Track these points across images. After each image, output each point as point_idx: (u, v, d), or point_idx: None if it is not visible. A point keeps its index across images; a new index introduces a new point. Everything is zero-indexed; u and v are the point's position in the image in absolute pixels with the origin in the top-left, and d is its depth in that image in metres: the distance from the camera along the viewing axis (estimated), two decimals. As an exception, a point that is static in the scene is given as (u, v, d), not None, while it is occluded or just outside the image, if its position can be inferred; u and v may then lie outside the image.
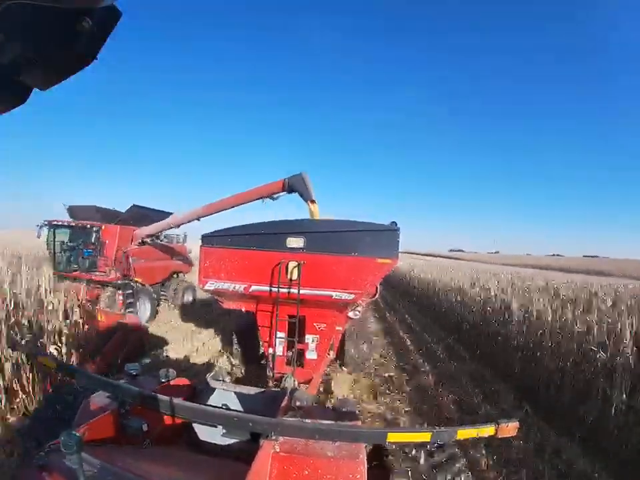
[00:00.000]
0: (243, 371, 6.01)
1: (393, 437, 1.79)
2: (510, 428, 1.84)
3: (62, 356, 4.38)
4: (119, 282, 8.26)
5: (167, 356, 6.35)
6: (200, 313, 10.01)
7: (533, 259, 66.14)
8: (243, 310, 4.91)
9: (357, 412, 2.60)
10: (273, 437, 1.80)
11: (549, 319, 5.84)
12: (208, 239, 4.46)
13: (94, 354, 4.84)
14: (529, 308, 6.56)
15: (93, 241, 8.58)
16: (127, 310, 7.57)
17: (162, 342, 6.97)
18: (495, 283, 9.61)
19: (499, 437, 1.85)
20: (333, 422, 2.11)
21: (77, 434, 1.33)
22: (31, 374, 3.87)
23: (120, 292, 7.81)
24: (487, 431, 1.83)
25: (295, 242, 4.22)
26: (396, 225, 4.27)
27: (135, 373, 2.43)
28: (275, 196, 6.41)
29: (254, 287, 4.33)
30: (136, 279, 8.58)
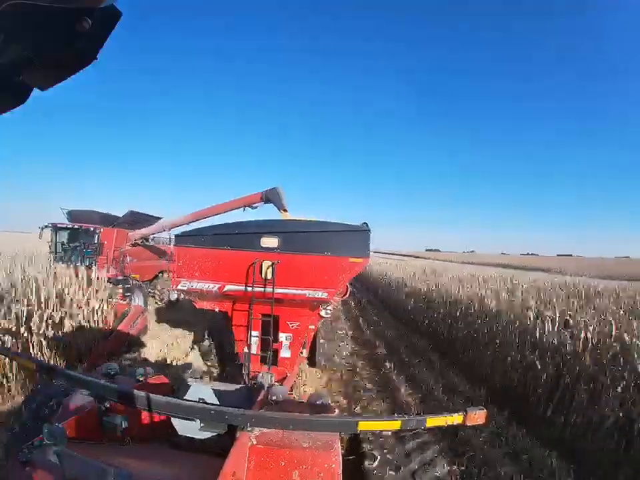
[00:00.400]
0: (216, 370, 5.97)
1: (364, 426, 1.84)
2: (478, 416, 1.89)
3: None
4: (117, 278, 9.08)
5: (143, 355, 6.30)
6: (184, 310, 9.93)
7: (507, 257, 68.98)
8: (217, 310, 4.89)
9: (330, 404, 2.70)
10: (249, 429, 1.86)
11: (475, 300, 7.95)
12: (181, 239, 4.42)
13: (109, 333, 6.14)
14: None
15: (92, 241, 9.76)
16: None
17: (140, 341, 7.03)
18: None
19: (467, 424, 1.91)
20: (306, 414, 2.18)
21: (60, 425, 1.35)
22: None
23: (119, 287, 8.53)
24: (455, 419, 1.88)
25: (269, 242, 4.26)
26: (367, 225, 4.44)
27: (113, 372, 2.42)
28: (254, 205, 7.35)
29: (228, 287, 4.33)
30: (133, 276, 9.65)
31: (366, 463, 2.34)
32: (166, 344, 7.16)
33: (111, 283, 8.37)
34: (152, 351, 6.62)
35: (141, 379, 2.52)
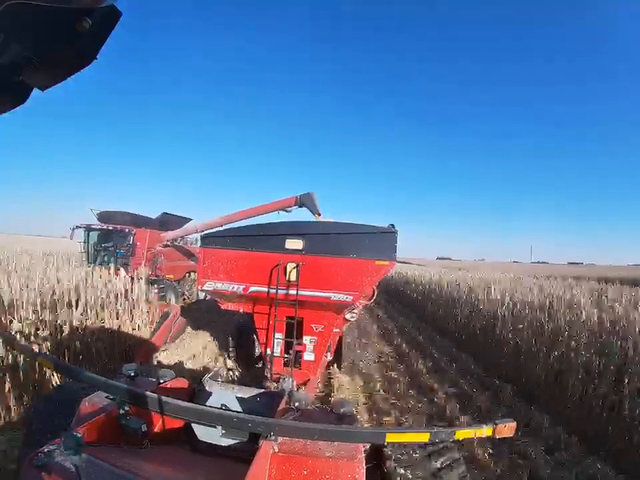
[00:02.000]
0: (238, 372, 6.01)
1: (392, 437, 1.78)
2: (507, 428, 1.81)
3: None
4: (151, 278, 9.16)
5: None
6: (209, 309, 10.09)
7: (519, 265, 67.23)
8: (241, 311, 4.91)
9: (353, 412, 2.61)
10: (272, 438, 1.80)
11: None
12: (207, 240, 4.48)
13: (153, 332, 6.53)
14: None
15: (126, 242, 9.92)
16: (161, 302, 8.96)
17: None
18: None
19: (497, 437, 1.82)
20: (331, 423, 2.11)
21: (78, 434, 1.33)
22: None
23: (155, 286, 8.74)
24: (485, 431, 1.80)
25: (293, 243, 4.23)
26: (394, 227, 4.28)
27: (132, 374, 2.43)
28: (288, 209, 7.08)
29: (253, 288, 4.34)
30: (167, 276, 9.92)
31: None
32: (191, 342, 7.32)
33: (150, 283, 8.85)
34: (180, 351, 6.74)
35: (162, 381, 2.52)
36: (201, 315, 9.49)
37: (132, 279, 7.09)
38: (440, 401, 5.08)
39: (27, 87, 0.99)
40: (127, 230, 10.00)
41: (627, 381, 4.03)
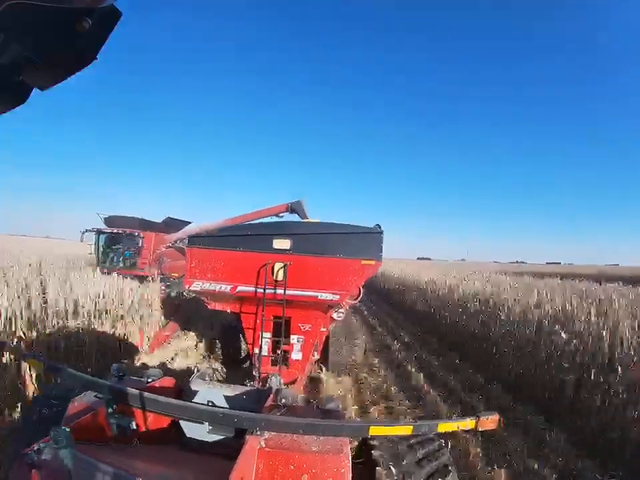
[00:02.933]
0: (224, 372, 6.00)
1: (375, 430, 1.82)
2: (490, 421, 1.86)
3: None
4: (158, 277, 9.99)
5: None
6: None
7: (498, 265, 69.36)
8: (229, 311, 4.91)
9: (340, 408, 2.66)
10: (258, 433, 1.83)
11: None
12: (194, 240, 4.46)
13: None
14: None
15: (134, 245, 10.77)
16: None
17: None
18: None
19: (479, 429, 1.88)
20: (317, 418, 2.14)
21: (67, 428, 1.34)
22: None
23: (162, 284, 9.56)
24: (468, 424, 1.86)
25: (281, 243, 4.26)
26: (379, 227, 4.37)
27: (121, 374, 2.43)
28: (280, 214, 7.63)
29: (240, 288, 4.34)
30: (173, 274, 10.45)
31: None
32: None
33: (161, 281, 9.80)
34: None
35: (149, 380, 2.52)
36: (190, 314, 9.65)
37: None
38: (394, 354, 7.64)
39: (26, 86, 0.98)
40: (135, 233, 10.77)
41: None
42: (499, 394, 5.42)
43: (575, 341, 4.84)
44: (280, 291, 4.21)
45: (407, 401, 5.14)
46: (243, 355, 6.07)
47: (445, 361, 7.31)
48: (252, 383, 3.96)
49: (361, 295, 5.00)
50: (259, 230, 4.36)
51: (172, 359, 6.31)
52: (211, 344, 6.82)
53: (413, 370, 6.32)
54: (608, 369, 4.20)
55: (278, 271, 4.21)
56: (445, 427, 1.88)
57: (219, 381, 4.76)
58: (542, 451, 3.91)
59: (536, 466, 3.58)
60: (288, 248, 4.24)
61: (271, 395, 2.57)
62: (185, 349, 6.98)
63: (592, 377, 4.25)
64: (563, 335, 4.97)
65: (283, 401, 2.41)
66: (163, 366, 5.76)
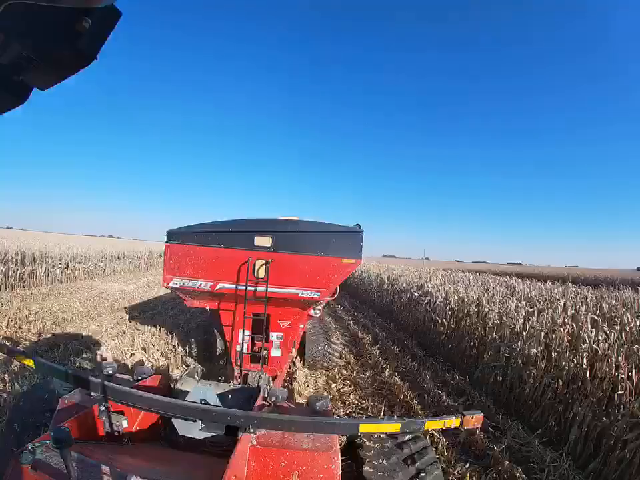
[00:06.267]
0: (204, 369, 5.95)
1: (365, 428, 1.90)
2: (474, 419, 1.96)
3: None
4: None
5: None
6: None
7: (460, 264, 72.40)
8: (207, 308, 4.86)
9: (330, 406, 2.73)
10: (251, 431, 1.86)
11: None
12: (173, 236, 4.36)
13: None
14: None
15: None
16: None
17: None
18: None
19: (464, 427, 1.98)
20: (307, 415, 2.20)
21: (66, 428, 1.33)
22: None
23: None
24: (454, 422, 1.96)
25: (262, 241, 4.25)
26: (360, 227, 4.46)
27: (111, 372, 2.39)
28: None
29: (220, 285, 4.30)
30: None
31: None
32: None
33: None
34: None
35: (139, 378, 2.50)
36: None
37: None
38: (353, 330, 10.44)
39: (27, 86, 0.97)
40: None
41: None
42: (399, 334, 10.13)
43: (425, 298, 10.03)
44: (261, 289, 4.21)
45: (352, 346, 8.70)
46: (219, 352, 6.03)
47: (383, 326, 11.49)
48: (232, 381, 3.97)
49: (337, 292, 5.11)
50: (240, 227, 4.33)
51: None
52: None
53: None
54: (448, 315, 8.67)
55: (259, 269, 4.21)
56: (431, 424, 1.98)
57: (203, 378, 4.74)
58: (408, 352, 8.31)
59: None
60: (269, 245, 4.24)
61: (261, 394, 2.60)
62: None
63: (437, 318, 8.88)
64: (415, 294, 10.87)
65: (273, 399, 2.46)
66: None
